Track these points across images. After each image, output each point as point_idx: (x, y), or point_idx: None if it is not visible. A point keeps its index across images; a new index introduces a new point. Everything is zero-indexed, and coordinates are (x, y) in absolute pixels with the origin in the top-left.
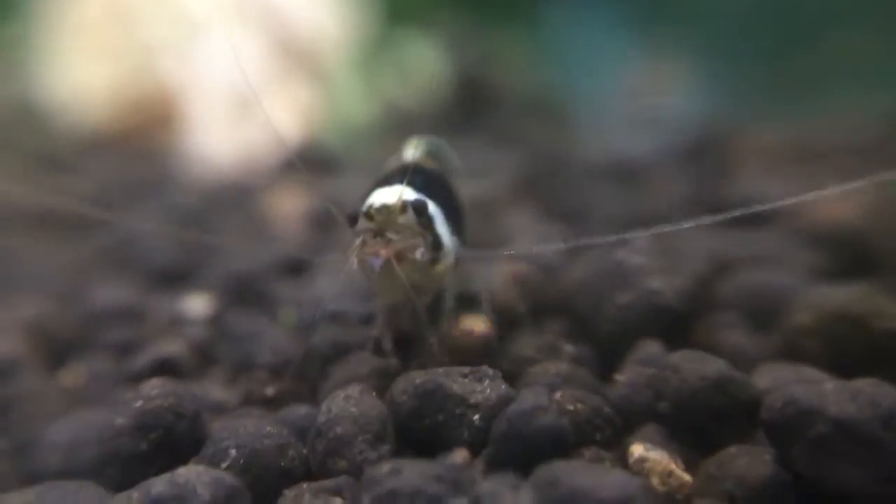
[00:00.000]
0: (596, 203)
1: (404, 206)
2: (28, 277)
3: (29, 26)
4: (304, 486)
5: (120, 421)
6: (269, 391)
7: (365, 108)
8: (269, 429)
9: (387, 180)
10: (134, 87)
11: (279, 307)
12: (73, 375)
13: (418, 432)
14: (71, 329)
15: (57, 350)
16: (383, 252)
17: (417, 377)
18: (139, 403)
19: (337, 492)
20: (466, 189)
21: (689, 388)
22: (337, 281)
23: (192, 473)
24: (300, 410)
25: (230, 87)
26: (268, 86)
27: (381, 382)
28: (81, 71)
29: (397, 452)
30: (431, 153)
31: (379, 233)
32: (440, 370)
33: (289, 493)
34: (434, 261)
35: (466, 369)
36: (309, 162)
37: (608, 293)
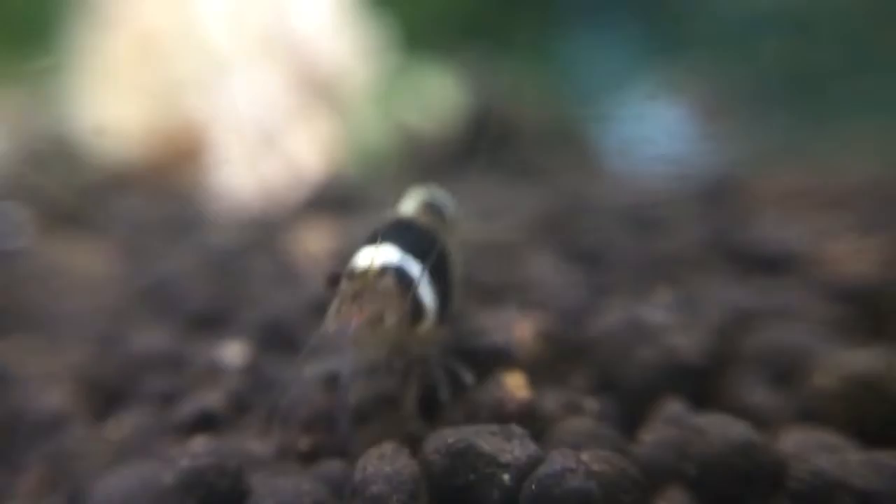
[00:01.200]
0: (614, 247)
1: (384, 270)
2: (66, 321)
3: (59, 62)
4: None
5: (167, 479)
6: (303, 445)
7: (384, 141)
8: (306, 486)
9: (375, 238)
10: (162, 122)
11: (311, 355)
12: (119, 427)
13: (450, 491)
14: (114, 377)
15: (102, 399)
16: (355, 319)
17: (449, 436)
18: (185, 462)
19: None
20: (472, 235)
21: (715, 452)
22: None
23: None
24: (334, 466)
25: (255, 122)
26: (291, 120)
27: (412, 439)
28: (110, 106)
29: None
30: (429, 205)
31: (357, 296)
32: (471, 428)
33: None
34: (413, 324)
35: (495, 427)
36: (331, 198)
37: (629, 348)
